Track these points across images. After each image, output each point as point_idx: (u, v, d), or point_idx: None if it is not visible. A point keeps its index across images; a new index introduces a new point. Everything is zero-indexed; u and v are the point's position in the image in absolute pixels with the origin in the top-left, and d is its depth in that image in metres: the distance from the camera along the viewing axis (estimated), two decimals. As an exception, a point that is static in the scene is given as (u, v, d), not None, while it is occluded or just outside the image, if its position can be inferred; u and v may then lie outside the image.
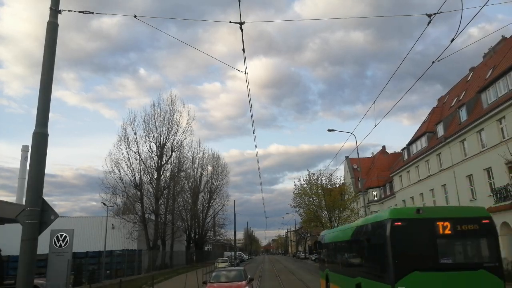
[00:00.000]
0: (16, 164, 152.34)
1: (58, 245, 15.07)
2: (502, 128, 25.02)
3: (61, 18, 7.93)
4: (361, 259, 11.93)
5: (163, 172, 43.74)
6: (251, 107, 16.09)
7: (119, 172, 39.87)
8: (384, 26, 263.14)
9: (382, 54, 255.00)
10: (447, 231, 9.03)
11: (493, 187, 25.49)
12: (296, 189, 46.01)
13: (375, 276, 10.21)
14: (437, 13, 10.03)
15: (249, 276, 16.26)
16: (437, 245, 9.08)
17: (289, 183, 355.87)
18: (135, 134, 42.06)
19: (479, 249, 9.45)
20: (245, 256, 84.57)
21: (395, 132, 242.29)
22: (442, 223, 9.05)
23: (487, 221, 9.25)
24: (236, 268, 18.72)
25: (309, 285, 22.55)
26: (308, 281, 24.19)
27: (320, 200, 44.05)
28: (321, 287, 18.78)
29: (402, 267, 8.82)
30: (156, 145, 42.94)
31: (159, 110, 43.97)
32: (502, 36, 33.87)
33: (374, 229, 10.51)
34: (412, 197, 40.55)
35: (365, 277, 11.16)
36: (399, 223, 9.13)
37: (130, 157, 40.73)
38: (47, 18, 7.82)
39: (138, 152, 41.27)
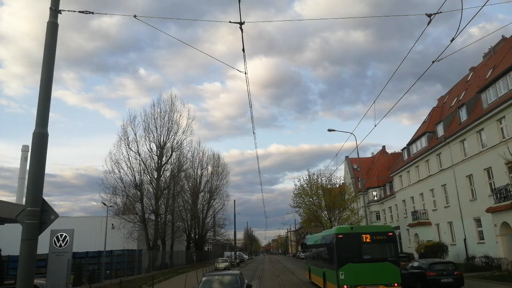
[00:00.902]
0: (16, 164, 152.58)
1: (58, 245, 15.12)
2: (502, 128, 25.00)
3: (61, 18, 7.91)
4: (324, 256, 18.23)
5: (163, 172, 43.67)
6: (251, 107, 16.12)
7: (119, 172, 39.81)
8: (384, 26, 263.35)
9: (382, 54, 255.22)
10: (368, 240, 15.04)
11: (493, 187, 25.48)
12: (296, 189, 45.98)
13: (329, 266, 16.47)
14: (437, 13, 10.03)
15: (246, 281, 13.83)
16: (362, 248, 15.05)
17: (289, 183, 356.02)
18: (135, 134, 41.99)
19: (386, 250, 15.23)
20: (245, 256, 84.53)
21: (395, 132, 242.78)
22: (365, 235, 15.12)
23: (391, 234, 15.48)
24: (231, 272, 15.93)
25: (309, 284, 22.58)
26: (308, 281, 24.18)
27: (320, 200, 43.97)
28: (305, 276, 25.79)
29: (342, 260, 14.85)
30: (156, 145, 42.87)
31: (159, 110, 43.85)
32: (502, 36, 33.88)
33: (329, 238, 16.83)
34: (412, 197, 40.47)
35: (326, 267, 17.43)
36: (341, 236, 15.27)
37: (130, 157, 40.65)
38: (46, 17, 7.81)
39: (138, 152, 41.20)
